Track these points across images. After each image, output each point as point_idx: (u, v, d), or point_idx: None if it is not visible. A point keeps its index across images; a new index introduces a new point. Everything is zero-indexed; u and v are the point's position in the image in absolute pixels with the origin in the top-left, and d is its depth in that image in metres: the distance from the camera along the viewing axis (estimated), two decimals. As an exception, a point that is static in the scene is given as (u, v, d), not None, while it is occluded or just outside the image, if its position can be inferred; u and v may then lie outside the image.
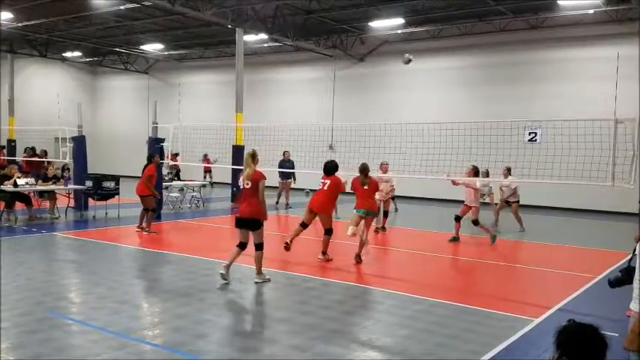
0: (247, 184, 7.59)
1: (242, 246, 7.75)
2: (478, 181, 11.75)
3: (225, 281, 7.63)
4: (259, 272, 7.83)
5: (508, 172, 14.16)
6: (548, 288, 8.76)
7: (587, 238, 13.81)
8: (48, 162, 17.31)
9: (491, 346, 5.54)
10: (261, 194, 7.56)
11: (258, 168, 7.82)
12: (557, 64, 19.92)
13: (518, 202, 14.30)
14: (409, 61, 11.65)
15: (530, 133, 19.07)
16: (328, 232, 9.57)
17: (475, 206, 11.74)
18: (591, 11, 17.80)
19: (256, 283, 7.74)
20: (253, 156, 7.75)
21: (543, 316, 6.61)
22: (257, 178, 7.58)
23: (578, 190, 16.13)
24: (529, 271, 10.01)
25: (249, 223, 7.62)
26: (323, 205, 9.63)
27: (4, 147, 25.61)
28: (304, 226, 9.77)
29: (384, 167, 13.38)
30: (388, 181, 13.38)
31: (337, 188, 9.65)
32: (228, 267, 7.69)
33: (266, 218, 7.75)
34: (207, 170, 24.10)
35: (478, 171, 11.85)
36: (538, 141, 18.44)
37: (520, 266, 10.26)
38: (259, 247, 7.71)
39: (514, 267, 10.13)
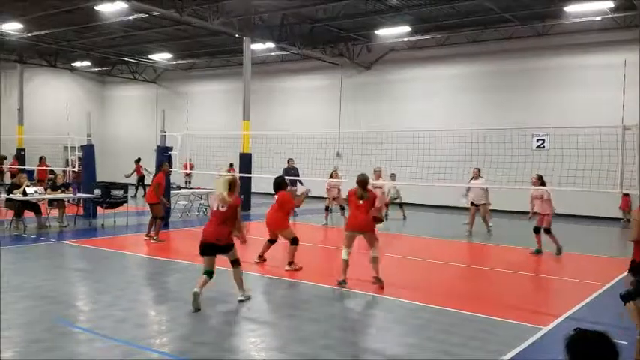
0: (223, 207, 7.03)
1: (209, 274, 6.97)
2: (546, 191, 11.34)
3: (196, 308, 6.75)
4: (242, 288, 7.27)
5: (478, 173, 14.11)
6: (557, 296, 8.70)
7: (595, 245, 13.71)
8: (63, 171, 17.46)
9: (500, 353, 5.50)
10: (240, 222, 7.28)
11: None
12: (564, 71, 19.88)
13: (485, 205, 14.27)
14: None
15: (538, 140, 19.02)
16: (294, 241, 9.54)
17: (548, 214, 11.44)
18: (598, 18, 17.76)
19: (240, 301, 7.12)
20: (232, 183, 7.18)
21: (552, 324, 6.55)
22: (236, 204, 7.12)
23: (587, 197, 16.03)
24: (537, 278, 9.96)
25: (219, 247, 7.00)
26: (275, 222, 9.70)
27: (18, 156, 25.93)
28: (271, 241, 9.87)
29: (377, 175, 13.29)
30: (380, 188, 13.27)
31: (285, 204, 9.68)
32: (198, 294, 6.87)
33: (245, 241, 7.48)
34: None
35: (544, 180, 11.43)
36: (546, 148, 18.39)
37: (528, 274, 10.18)
38: (237, 262, 7.21)
39: (522, 275, 10.06)
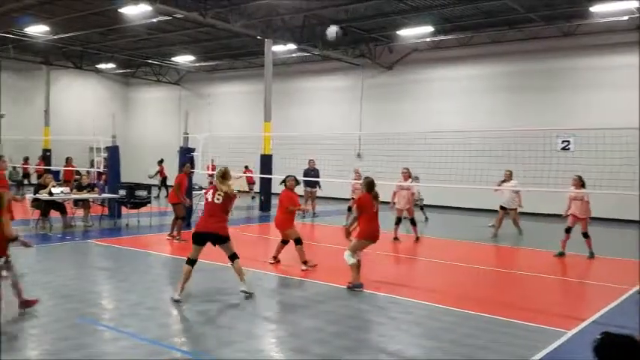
0: (218, 199, 7.27)
1: (192, 263, 7.29)
2: (585, 193, 11.14)
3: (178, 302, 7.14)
4: (243, 279, 7.48)
5: (510, 175, 13.92)
6: (582, 299, 8.58)
7: (622, 248, 13.44)
8: (87, 172, 17.74)
9: (523, 357, 5.44)
10: (228, 213, 7.50)
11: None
12: (590, 72, 19.57)
13: (516, 209, 14.09)
14: (336, 34, 10.71)
15: (563, 142, 18.75)
16: (297, 241, 9.52)
17: (584, 218, 11.28)
18: (625, 18, 17.45)
19: (243, 292, 7.41)
20: (225, 175, 7.44)
21: (577, 329, 6.46)
22: (232, 197, 7.42)
23: (614, 199, 15.75)
24: (562, 282, 9.82)
25: (217, 238, 7.29)
26: (280, 222, 9.73)
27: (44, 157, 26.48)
28: (284, 242, 9.86)
29: (405, 175, 13.12)
30: (409, 189, 13.13)
31: (287, 202, 9.65)
32: (181, 291, 7.23)
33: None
34: (251, 182, 24.02)
35: (584, 182, 11.21)
36: (571, 149, 18.12)
37: (552, 277, 10.04)
38: (235, 256, 7.45)
39: (545, 278, 9.93)
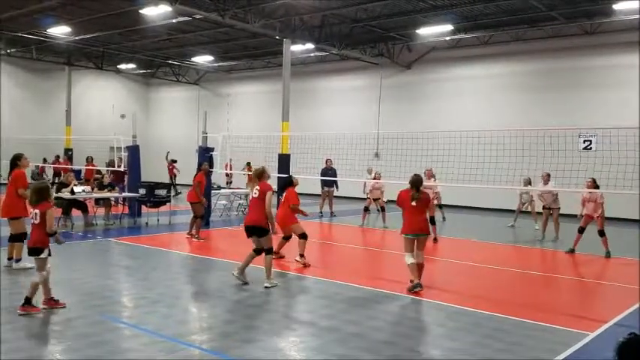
0: (255, 193, 8.09)
1: (257, 252, 8.13)
2: (600, 194, 11.32)
3: (241, 282, 8.07)
4: (269, 277, 8.07)
5: (548, 177, 13.91)
6: (604, 301, 8.44)
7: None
8: (107, 171, 17.97)
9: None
10: (268, 205, 7.93)
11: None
12: (613, 71, 19.25)
13: (559, 209, 14.00)
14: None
15: (585, 141, 18.48)
16: (302, 236, 9.85)
17: (599, 216, 11.45)
18: (649, 15, 17.14)
19: (266, 287, 7.93)
20: (262, 173, 8.23)
21: (599, 331, 6.36)
22: (264, 189, 8.03)
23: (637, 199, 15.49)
24: (583, 283, 9.68)
25: (255, 230, 8.02)
26: (282, 218, 9.95)
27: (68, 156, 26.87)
28: (286, 238, 10.13)
29: (428, 174, 13.22)
30: (431, 189, 13.16)
31: (292, 199, 9.91)
32: (242, 270, 8.13)
33: (274, 231, 8.17)
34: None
35: (597, 185, 11.26)
36: (593, 149, 17.85)
37: (574, 278, 9.91)
38: (268, 251, 8.12)
39: (567, 279, 9.80)
